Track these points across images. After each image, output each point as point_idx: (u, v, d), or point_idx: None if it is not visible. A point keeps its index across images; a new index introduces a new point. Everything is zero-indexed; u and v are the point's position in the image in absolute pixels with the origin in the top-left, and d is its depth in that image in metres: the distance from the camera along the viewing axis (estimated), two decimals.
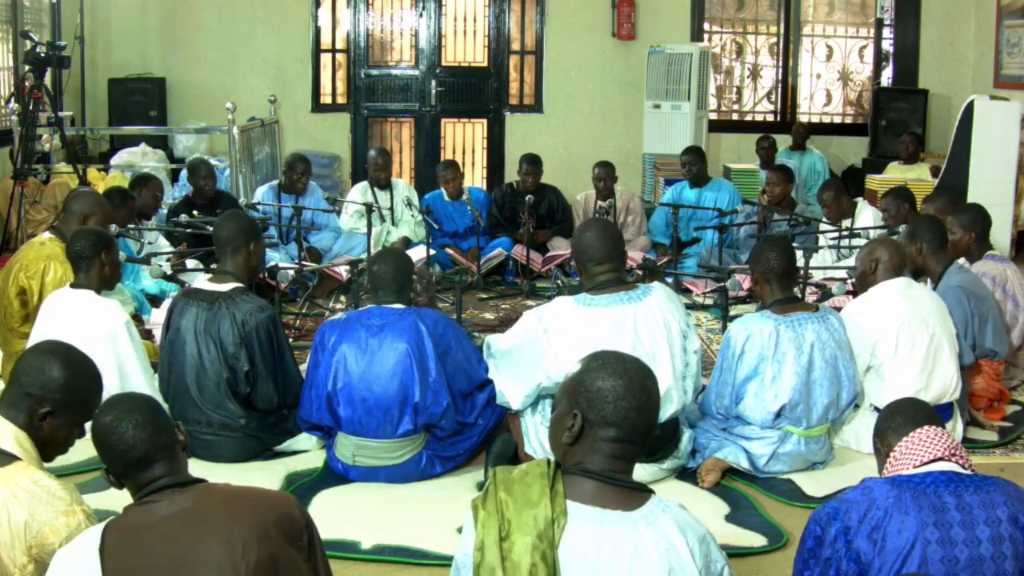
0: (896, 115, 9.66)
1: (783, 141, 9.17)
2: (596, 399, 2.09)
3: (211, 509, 2.07)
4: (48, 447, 2.52)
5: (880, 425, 2.58)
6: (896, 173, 8.16)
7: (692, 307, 6.26)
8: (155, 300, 5.56)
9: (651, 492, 2.10)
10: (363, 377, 3.71)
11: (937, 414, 2.58)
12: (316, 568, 2.17)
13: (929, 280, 4.57)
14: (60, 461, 2.63)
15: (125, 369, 3.95)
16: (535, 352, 3.72)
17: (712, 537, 2.10)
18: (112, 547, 2.00)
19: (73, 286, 4.10)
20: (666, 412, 3.66)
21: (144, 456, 2.14)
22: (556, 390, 3.66)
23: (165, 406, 3.97)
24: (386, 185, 7.35)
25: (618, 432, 2.07)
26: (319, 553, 2.20)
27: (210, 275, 4.09)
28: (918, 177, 7.90)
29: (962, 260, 4.82)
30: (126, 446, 2.13)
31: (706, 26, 10.07)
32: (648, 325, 3.64)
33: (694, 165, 7.39)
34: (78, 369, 2.54)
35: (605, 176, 7.41)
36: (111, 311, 4.00)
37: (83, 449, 2.72)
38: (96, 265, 4.07)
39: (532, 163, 7.44)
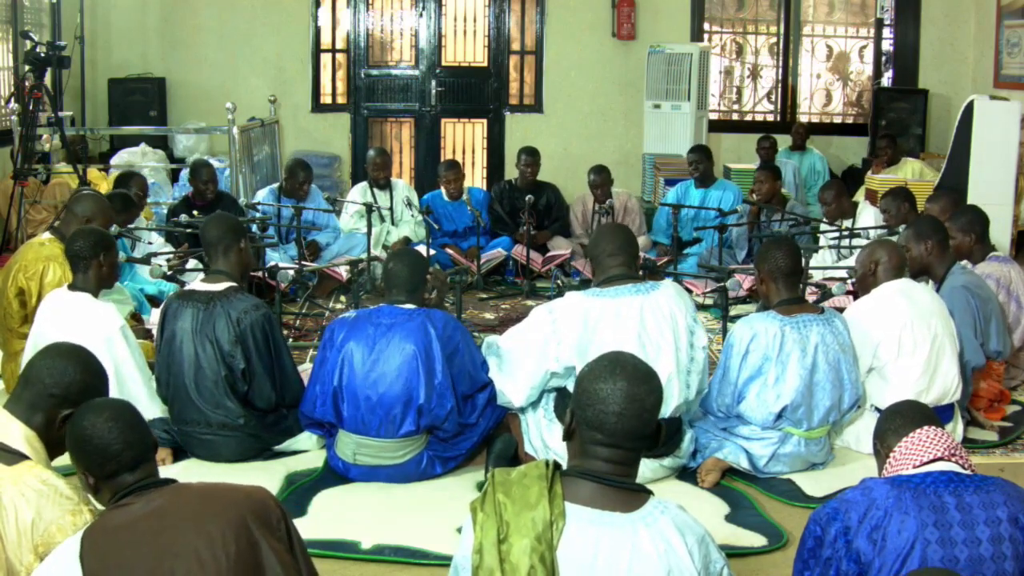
0: (896, 115, 9.65)
1: (783, 141, 9.15)
2: (582, 400, 2.10)
3: (187, 505, 2.10)
4: (58, 447, 2.54)
5: (879, 427, 2.58)
6: (887, 175, 8.11)
7: None
8: (154, 300, 5.56)
9: (650, 493, 2.10)
10: (368, 375, 3.71)
11: (936, 415, 2.58)
12: (296, 558, 2.19)
13: (931, 281, 4.56)
14: (63, 459, 2.63)
15: (122, 373, 3.92)
16: (542, 341, 3.73)
17: (711, 538, 2.10)
18: (91, 551, 2.02)
19: (71, 287, 4.05)
20: (668, 406, 3.65)
21: (132, 460, 2.17)
22: (566, 377, 3.68)
23: (162, 407, 3.99)
24: (386, 185, 7.34)
25: (601, 436, 2.07)
26: (297, 543, 2.22)
27: (204, 276, 4.08)
28: (909, 175, 7.86)
29: (964, 262, 4.81)
30: (114, 451, 2.15)
31: (706, 26, 10.07)
32: (654, 316, 3.67)
33: (701, 163, 7.37)
34: (93, 370, 2.58)
35: (601, 183, 7.39)
36: (107, 315, 3.97)
37: None
38: (94, 266, 4.03)
39: (531, 155, 7.46)
